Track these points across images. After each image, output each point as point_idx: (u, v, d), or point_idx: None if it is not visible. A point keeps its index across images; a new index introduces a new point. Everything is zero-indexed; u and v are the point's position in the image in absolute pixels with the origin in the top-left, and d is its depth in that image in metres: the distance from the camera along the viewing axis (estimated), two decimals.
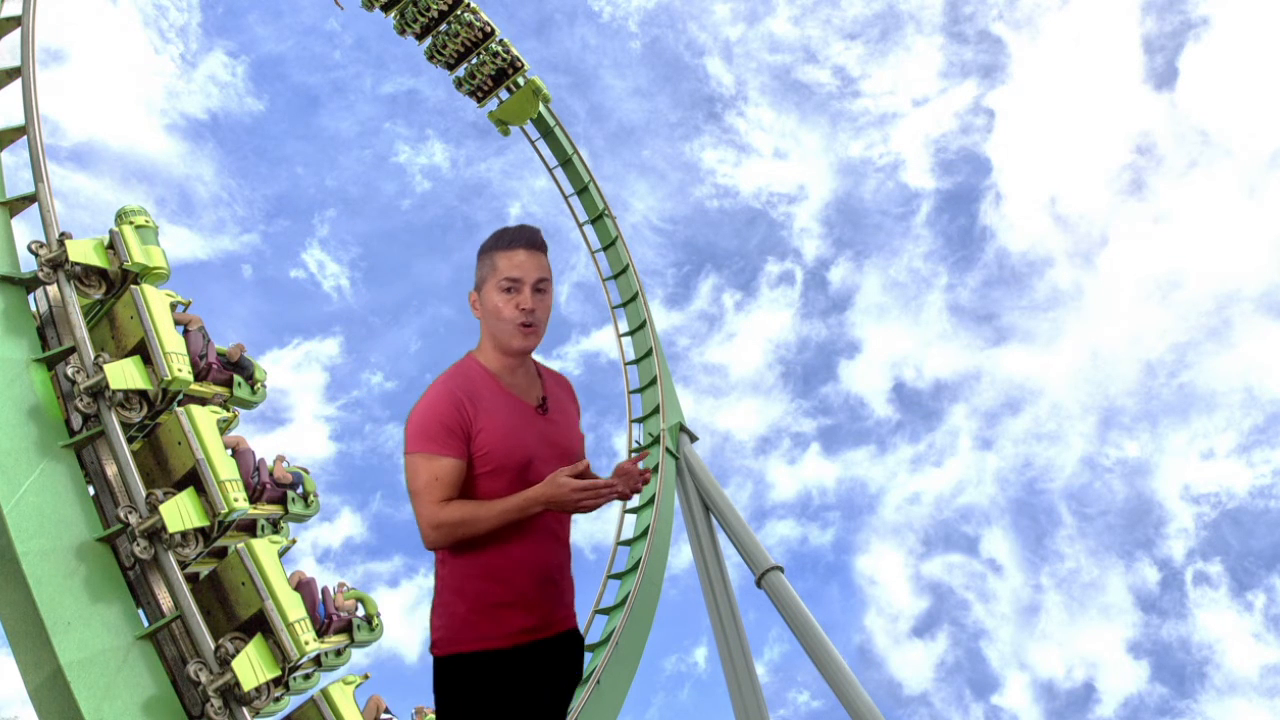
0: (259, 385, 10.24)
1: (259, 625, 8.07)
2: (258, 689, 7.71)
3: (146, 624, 7.63)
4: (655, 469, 15.17)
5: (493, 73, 18.35)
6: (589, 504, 2.44)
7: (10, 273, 8.55)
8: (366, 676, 8.76)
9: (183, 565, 7.97)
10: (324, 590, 9.09)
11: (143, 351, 8.71)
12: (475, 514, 2.48)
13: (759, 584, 13.49)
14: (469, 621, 2.57)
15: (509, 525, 2.50)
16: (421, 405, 2.59)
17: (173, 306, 9.14)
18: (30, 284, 8.66)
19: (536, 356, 2.81)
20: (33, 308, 8.68)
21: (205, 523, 8.15)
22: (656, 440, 15.85)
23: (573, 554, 2.80)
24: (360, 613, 9.45)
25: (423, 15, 17.92)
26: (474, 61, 18.30)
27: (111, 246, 9.13)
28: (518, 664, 2.56)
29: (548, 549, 2.65)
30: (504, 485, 2.56)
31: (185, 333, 9.20)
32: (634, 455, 2.89)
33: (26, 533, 7.16)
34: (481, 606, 2.57)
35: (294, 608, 8.20)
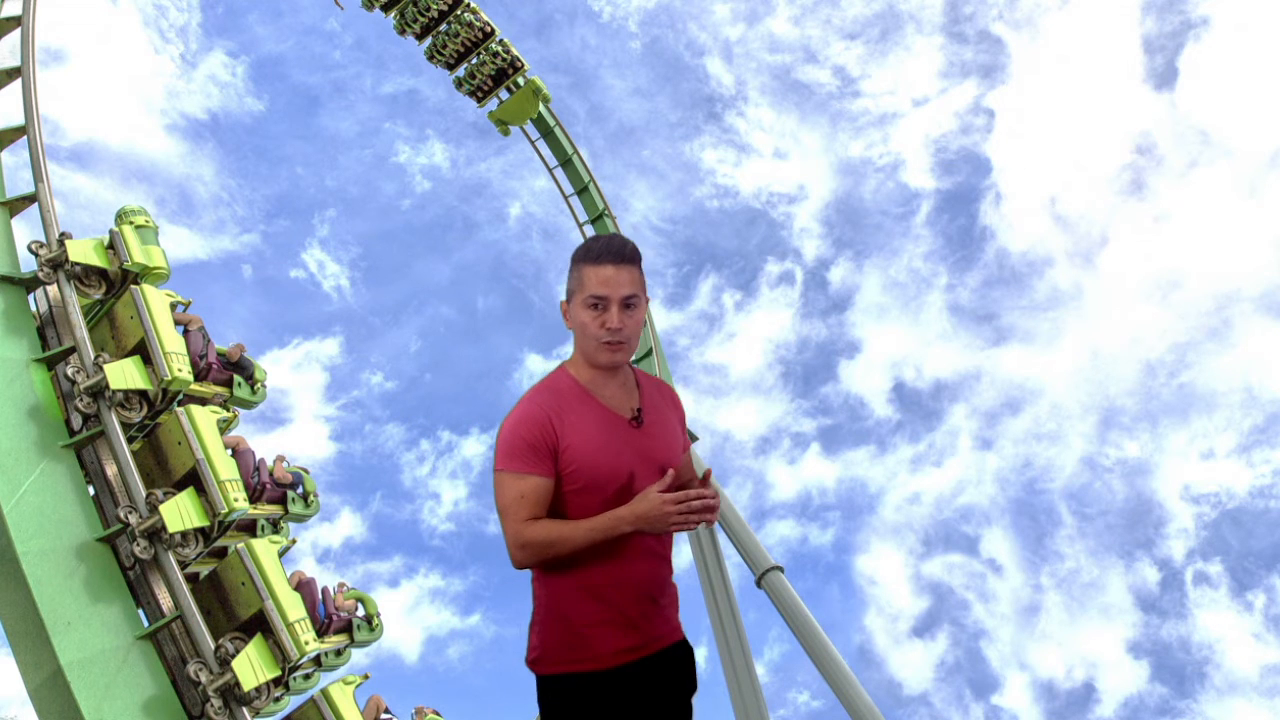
0: (259, 385, 10.24)
1: (259, 625, 8.07)
2: (258, 689, 7.71)
3: (146, 624, 7.63)
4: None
5: (493, 73, 18.35)
6: (679, 521, 2.33)
7: (10, 273, 8.56)
8: (366, 676, 8.75)
9: (183, 565, 7.97)
10: (324, 590, 9.09)
11: (143, 351, 8.72)
12: (562, 534, 2.40)
13: (759, 584, 13.46)
14: (568, 642, 2.51)
15: (607, 542, 2.41)
16: (509, 421, 2.51)
17: (173, 306, 9.14)
18: (30, 284, 8.66)
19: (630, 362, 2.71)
20: (33, 308, 8.69)
21: (205, 523, 8.16)
22: None
23: (612, 573, 2.63)
24: (360, 613, 9.45)
25: (423, 15, 17.92)
26: (474, 61, 18.30)
27: (111, 246, 9.13)
28: (622, 685, 2.50)
29: (647, 565, 2.56)
30: (597, 502, 2.47)
31: (185, 333, 9.20)
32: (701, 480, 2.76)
33: (26, 533, 7.16)
34: (580, 626, 2.50)
35: (294, 608, 8.20)
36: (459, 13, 17.97)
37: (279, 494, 9.68)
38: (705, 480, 2.58)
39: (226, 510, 8.28)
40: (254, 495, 9.15)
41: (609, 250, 2.50)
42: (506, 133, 19.17)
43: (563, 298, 2.60)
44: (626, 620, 2.52)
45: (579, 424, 2.50)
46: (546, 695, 2.55)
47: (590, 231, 19.07)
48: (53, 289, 8.77)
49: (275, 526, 9.93)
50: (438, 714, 9.74)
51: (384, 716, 8.93)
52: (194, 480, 8.39)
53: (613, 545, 2.44)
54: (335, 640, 9.03)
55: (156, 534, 7.80)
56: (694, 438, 16.31)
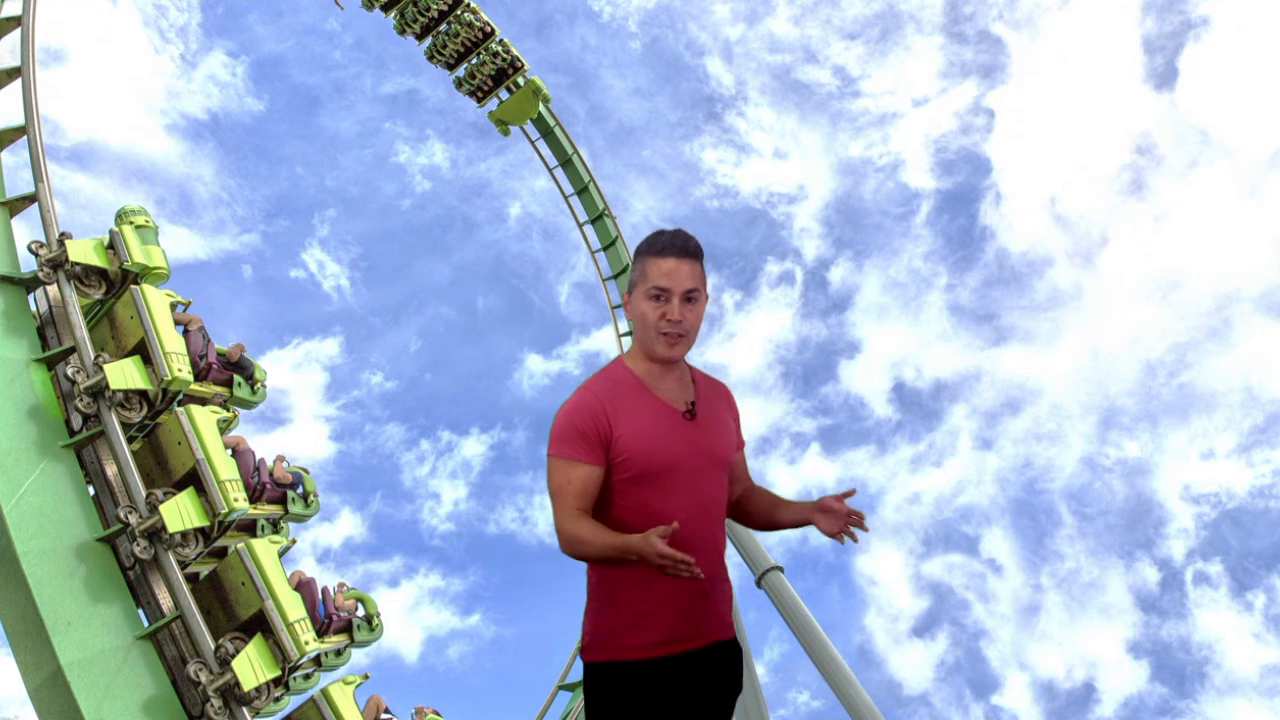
0: (259, 385, 10.24)
1: (259, 625, 8.07)
2: (258, 689, 7.71)
3: (146, 624, 7.64)
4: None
5: (493, 73, 18.36)
6: (669, 572, 2.34)
7: (10, 273, 8.56)
8: (366, 676, 8.76)
9: (183, 565, 7.97)
10: (324, 590, 9.10)
11: (143, 351, 8.72)
12: (589, 538, 2.44)
13: (759, 584, 13.48)
14: (616, 630, 2.54)
15: (666, 534, 2.40)
16: (565, 409, 2.57)
17: (173, 306, 9.15)
18: (30, 284, 8.66)
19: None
20: (33, 308, 8.69)
21: (205, 523, 8.16)
22: None
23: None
24: (360, 613, 9.45)
25: (423, 15, 17.93)
26: (474, 61, 18.31)
27: (111, 246, 9.13)
28: (667, 675, 2.51)
29: (701, 559, 2.51)
30: (648, 492, 2.52)
31: (185, 333, 9.20)
32: (842, 494, 2.73)
33: (26, 533, 7.17)
34: (629, 615, 2.53)
35: (294, 608, 8.20)
36: (459, 13, 17.97)
37: (279, 494, 9.68)
38: (843, 497, 2.62)
39: (226, 510, 8.28)
40: (254, 495, 9.15)
41: (673, 244, 2.55)
42: (506, 133, 19.17)
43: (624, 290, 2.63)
44: (675, 612, 2.53)
45: (633, 415, 2.54)
46: (592, 682, 2.58)
47: (590, 231, 19.09)
48: (53, 289, 8.77)
49: (275, 526, 9.93)
50: (438, 714, 9.74)
51: (384, 716, 8.94)
52: (194, 480, 8.39)
53: (672, 537, 2.45)
54: (335, 640, 9.03)
55: (156, 534, 7.80)
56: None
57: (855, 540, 2.64)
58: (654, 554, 2.31)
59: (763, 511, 2.86)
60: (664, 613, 2.53)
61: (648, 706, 2.50)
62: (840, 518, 2.58)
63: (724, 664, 2.63)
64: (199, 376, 9.30)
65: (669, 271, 2.52)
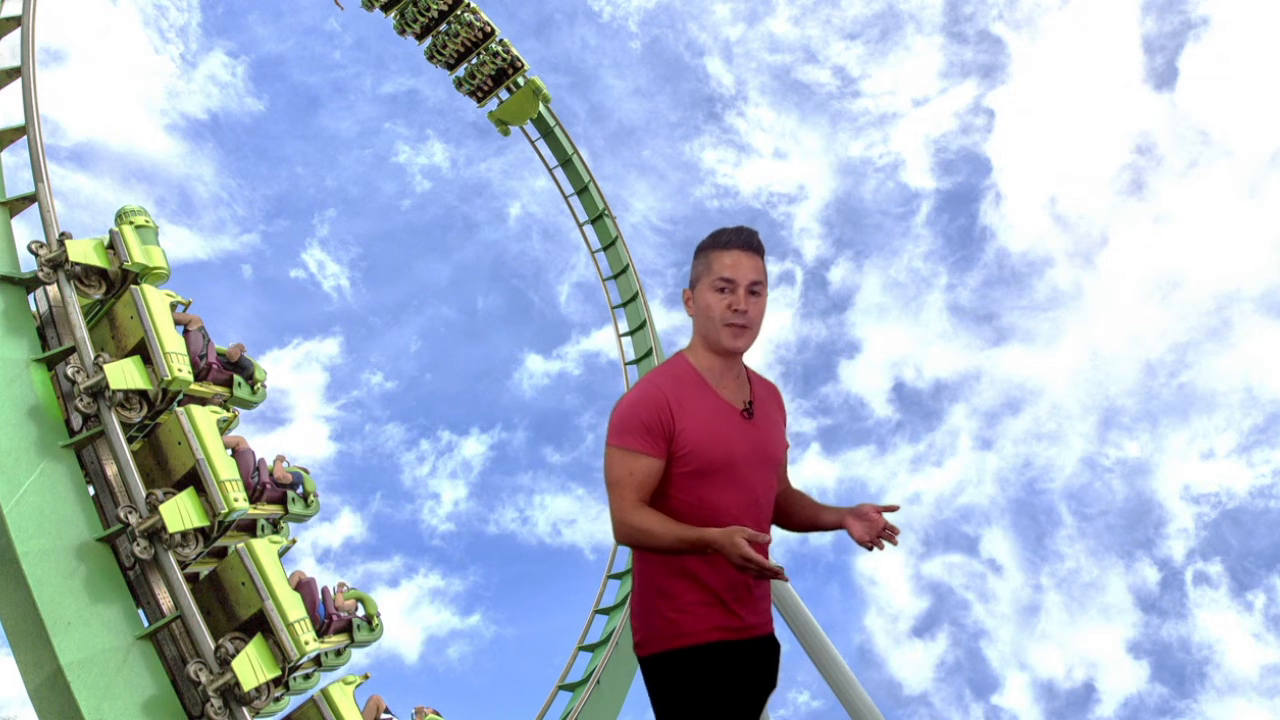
0: (259, 385, 10.24)
1: (259, 625, 8.07)
2: (258, 689, 7.71)
3: (146, 624, 7.64)
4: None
5: (493, 73, 18.36)
6: (747, 572, 2.38)
7: (10, 273, 8.56)
8: (366, 676, 8.75)
9: (183, 565, 7.97)
10: (324, 590, 9.09)
11: (143, 351, 8.72)
12: (657, 530, 2.47)
13: None
14: (667, 620, 2.59)
15: (752, 539, 2.42)
16: (626, 400, 2.61)
17: (173, 306, 9.14)
18: (30, 284, 8.66)
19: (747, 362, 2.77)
20: (33, 308, 8.69)
21: (205, 523, 8.16)
22: None
23: (709, 558, 2.65)
24: (360, 613, 9.45)
25: (423, 15, 17.92)
26: (474, 61, 18.31)
27: (111, 246, 9.13)
28: (719, 660, 2.56)
29: None
30: (705, 487, 2.56)
31: (185, 333, 9.20)
32: (883, 506, 2.74)
33: (26, 533, 7.17)
34: (680, 605, 2.58)
35: (294, 608, 8.20)
36: (459, 13, 17.97)
37: (279, 494, 9.68)
38: (884, 510, 2.63)
39: (226, 510, 8.28)
40: (254, 495, 9.15)
41: (738, 238, 2.61)
42: (506, 133, 19.17)
43: (686, 287, 2.69)
44: (721, 601, 2.57)
45: (695, 410, 2.58)
46: (651, 675, 2.62)
47: (590, 231, 19.08)
48: (53, 289, 8.77)
49: (275, 526, 9.92)
50: (438, 714, 9.74)
51: (384, 716, 8.94)
52: (194, 480, 8.39)
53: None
54: (335, 640, 9.02)
55: (156, 534, 7.80)
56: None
57: (882, 549, 2.64)
58: (737, 554, 2.34)
59: (802, 512, 2.89)
60: (711, 602, 2.57)
61: (706, 689, 2.54)
62: (875, 527, 2.59)
63: (764, 660, 2.68)
64: (199, 376, 9.30)
65: (735, 264, 2.58)
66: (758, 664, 2.65)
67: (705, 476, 2.56)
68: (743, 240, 2.61)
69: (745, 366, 2.77)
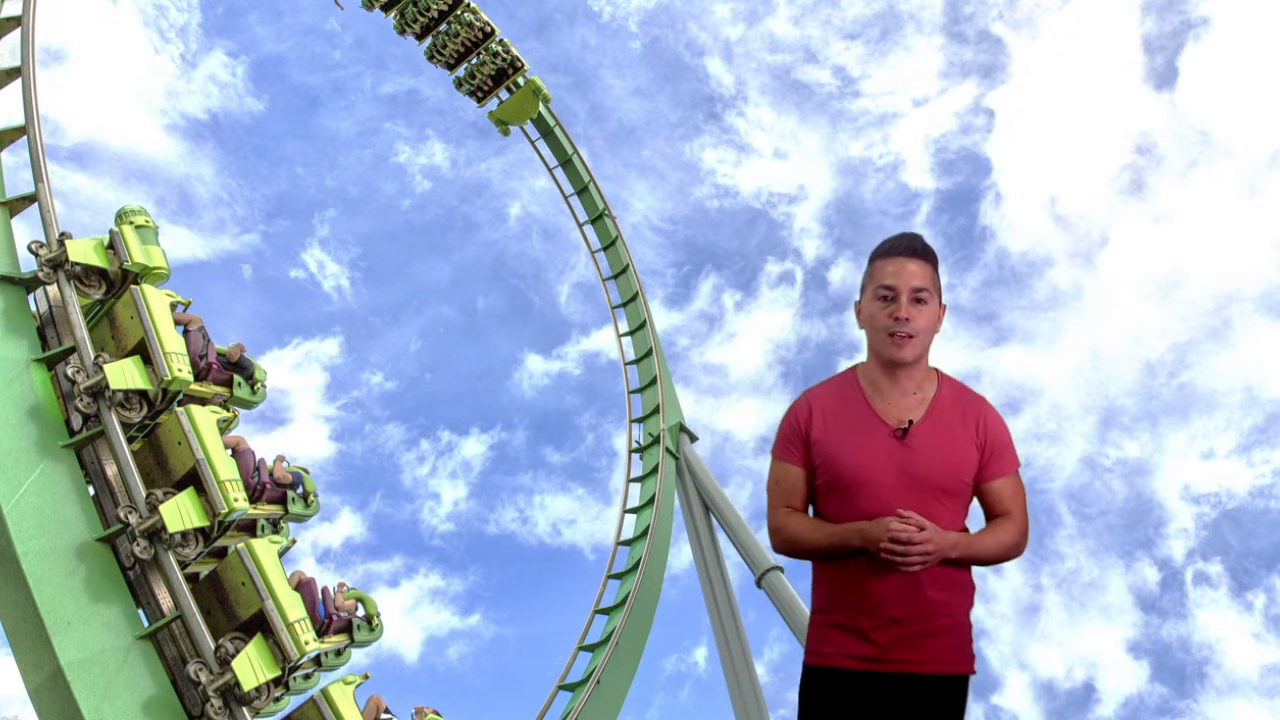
0: (259, 385, 10.23)
1: (259, 625, 8.07)
2: (258, 689, 7.71)
3: (146, 624, 7.64)
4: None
5: (493, 73, 18.36)
6: (886, 556, 2.30)
7: (10, 273, 8.56)
8: (366, 676, 8.76)
9: (183, 565, 7.97)
10: (324, 590, 9.09)
11: (143, 351, 8.71)
12: (803, 535, 2.47)
13: (759, 584, 13.50)
14: (819, 635, 2.59)
15: (854, 552, 2.38)
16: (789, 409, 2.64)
17: (173, 306, 9.14)
18: (30, 284, 8.66)
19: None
20: (33, 308, 8.69)
21: (205, 523, 8.15)
22: (656, 440, 15.86)
23: (858, 584, 2.52)
24: (360, 613, 9.44)
25: (423, 15, 17.92)
26: (474, 61, 18.31)
27: (111, 246, 9.13)
28: (849, 690, 2.50)
29: (897, 586, 2.43)
30: (837, 502, 2.50)
31: (185, 333, 9.20)
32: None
33: (26, 533, 7.16)
34: (827, 623, 2.56)
35: (294, 608, 8.20)
36: (459, 13, 17.97)
37: (279, 494, 9.68)
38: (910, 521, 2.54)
39: (226, 510, 8.27)
40: (254, 495, 9.14)
41: (899, 244, 2.54)
42: (506, 133, 19.16)
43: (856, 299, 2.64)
44: (859, 630, 2.49)
45: (834, 421, 2.54)
46: (801, 683, 2.63)
47: (590, 231, 19.08)
48: (53, 289, 8.77)
49: (275, 526, 9.92)
50: (438, 714, 9.74)
51: (384, 716, 8.94)
52: (194, 480, 8.38)
53: (867, 557, 2.39)
54: (335, 640, 9.02)
55: (156, 534, 7.80)
56: (694, 438, 16.23)
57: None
58: (883, 531, 2.30)
59: None
60: (850, 628, 2.50)
61: (816, 712, 2.55)
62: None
63: (920, 700, 2.48)
64: (199, 376, 9.30)
65: (896, 270, 2.49)
66: (887, 701, 2.49)
67: (839, 492, 2.49)
68: (905, 246, 2.51)
69: (944, 383, 2.59)
